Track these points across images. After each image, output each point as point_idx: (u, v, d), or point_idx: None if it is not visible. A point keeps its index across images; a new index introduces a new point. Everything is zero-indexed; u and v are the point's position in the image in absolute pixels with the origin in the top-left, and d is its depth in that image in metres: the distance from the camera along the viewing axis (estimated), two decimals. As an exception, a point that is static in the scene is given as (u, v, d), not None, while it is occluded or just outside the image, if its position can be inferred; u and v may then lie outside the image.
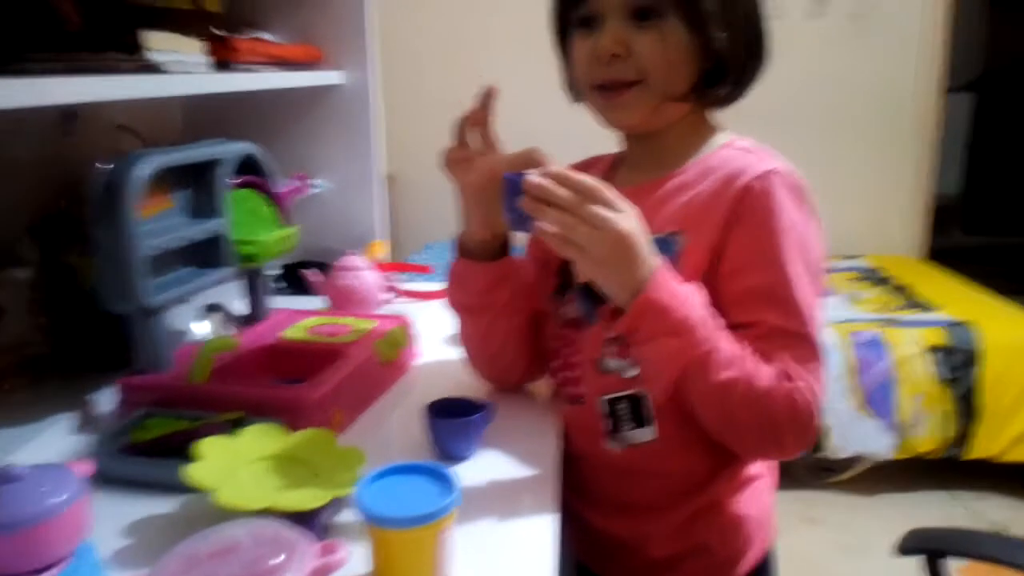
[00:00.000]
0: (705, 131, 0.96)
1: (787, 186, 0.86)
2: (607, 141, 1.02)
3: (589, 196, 0.76)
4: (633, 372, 0.91)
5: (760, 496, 0.98)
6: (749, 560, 0.97)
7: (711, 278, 0.86)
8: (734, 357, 0.81)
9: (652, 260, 0.79)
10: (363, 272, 1.42)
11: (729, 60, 0.89)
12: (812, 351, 0.84)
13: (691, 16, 0.86)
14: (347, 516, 0.79)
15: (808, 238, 0.86)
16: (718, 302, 0.85)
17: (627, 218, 0.77)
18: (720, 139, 0.96)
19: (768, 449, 0.90)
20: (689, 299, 0.80)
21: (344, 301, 1.39)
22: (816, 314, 0.84)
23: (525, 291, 1.01)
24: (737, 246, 0.86)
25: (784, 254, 0.84)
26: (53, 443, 0.97)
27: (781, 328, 0.84)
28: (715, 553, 0.96)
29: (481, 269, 0.97)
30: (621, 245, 0.77)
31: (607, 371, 0.93)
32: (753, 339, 0.83)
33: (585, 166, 1.03)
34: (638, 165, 0.98)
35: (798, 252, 0.84)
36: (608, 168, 1.03)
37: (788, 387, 0.81)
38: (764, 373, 0.82)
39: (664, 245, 0.86)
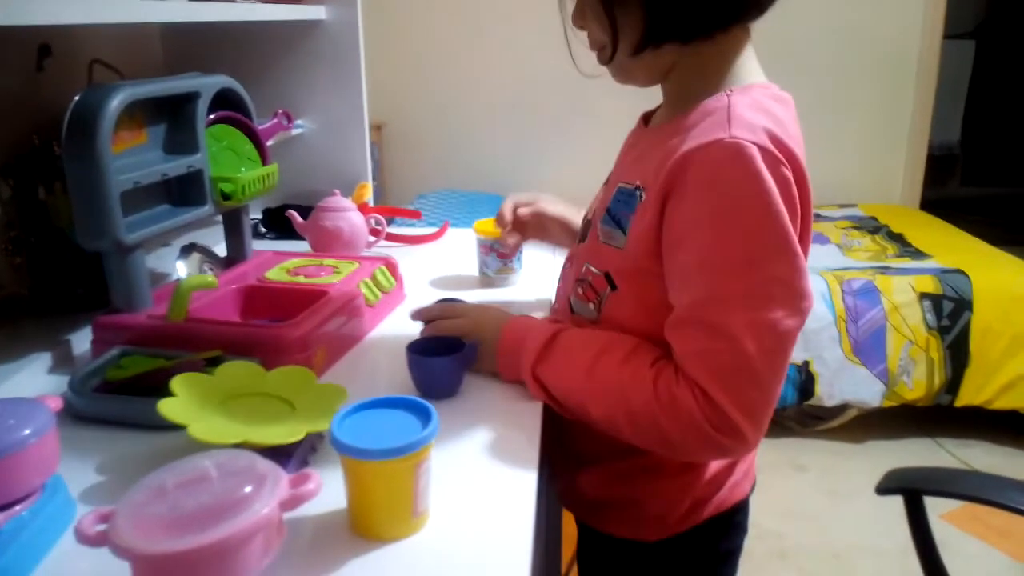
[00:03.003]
0: (715, 73, 0.86)
1: (731, 159, 0.76)
2: (599, 84, 0.99)
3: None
4: (593, 316, 0.91)
5: (714, 463, 0.95)
6: (693, 517, 0.96)
7: (660, 245, 0.83)
8: (600, 389, 0.85)
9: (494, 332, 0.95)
10: (348, 213, 1.39)
11: (660, 7, 0.81)
12: (717, 337, 0.77)
13: None
14: (327, 452, 0.78)
15: (747, 218, 0.76)
16: (666, 278, 0.83)
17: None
18: (731, 83, 0.85)
19: (686, 456, 0.88)
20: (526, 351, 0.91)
21: (327, 243, 1.37)
22: (735, 302, 0.77)
23: None
24: (671, 221, 0.80)
25: (709, 234, 0.77)
26: (29, 382, 0.96)
27: (686, 316, 0.79)
28: (644, 508, 0.96)
29: None
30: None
31: (575, 312, 0.95)
32: (667, 326, 0.82)
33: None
34: (665, 106, 0.94)
35: (725, 237, 0.77)
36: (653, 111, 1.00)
37: (665, 397, 0.79)
38: (639, 390, 0.81)
39: (628, 197, 0.87)
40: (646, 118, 1.00)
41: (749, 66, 0.87)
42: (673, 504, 0.95)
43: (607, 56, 0.87)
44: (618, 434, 0.85)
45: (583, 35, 0.89)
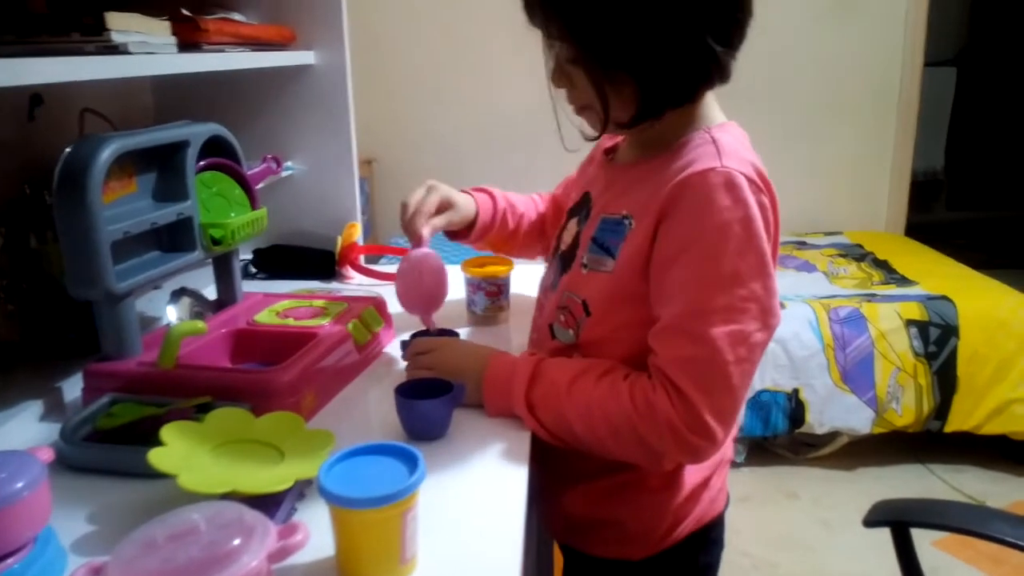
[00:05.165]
0: (691, 118, 0.93)
1: (724, 186, 0.83)
2: (574, 119, 1.02)
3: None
4: (571, 341, 0.97)
5: (691, 475, 0.99)
6: (675, 533, 1.00)
7: (649, 266, 0.89)
8: (581, 407, 0.89)
9: (476, 369, 0.98)
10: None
11: (653, 85, 0.87)
12: (699, 345, 0.83)
13: (587, 69, 0.88)
14: (315, 498, 0.79)
15: (735, 240, 0.83)
16: (652, 293, 0.89)
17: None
18: (704, 123, 0.92)
19: (664, 460, 0.90)
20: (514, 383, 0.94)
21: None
22: (717, 315, 0.83)
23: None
24: (665, 240, 0.87)
25: (700, 252, 0.84)
26: (21, 430, 0.97)
27: (672, 325, 0.85)
28: (628, 526, 1.00)
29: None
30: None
31: (555, 338, 1.00)
32: (652, 334, 0.88)
33: (604, 142, 1.09)
34: (632, 145, 1.01)
35: (714, 255, 0.83)
36: (615, 145, 1.07)
37: (642, 405, 0.85)
38: (617, 401, 0.86)
39: (616, 226, 0.93)
40: (607, 151, 1.07)
41: (714, 107, 0.95)
42: (655, 521, 0.99)
43: (599, 128, 0.93)
44: (602, 449, 0.90)
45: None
